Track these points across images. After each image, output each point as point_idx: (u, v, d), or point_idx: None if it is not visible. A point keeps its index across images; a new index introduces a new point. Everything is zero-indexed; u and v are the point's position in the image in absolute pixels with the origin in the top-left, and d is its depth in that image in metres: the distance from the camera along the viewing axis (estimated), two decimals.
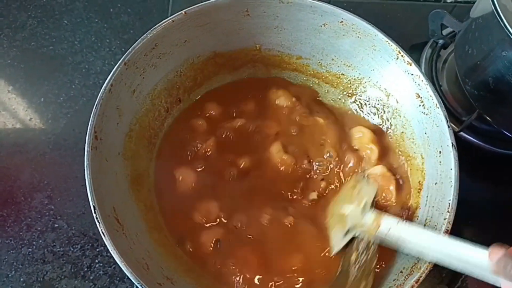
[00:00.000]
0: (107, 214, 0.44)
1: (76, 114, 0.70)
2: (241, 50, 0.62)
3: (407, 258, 0.46)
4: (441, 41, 0.72)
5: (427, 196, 0.50)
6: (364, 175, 0.54)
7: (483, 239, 0.64)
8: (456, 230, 0.61)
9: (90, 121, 0.47)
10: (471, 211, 0.65)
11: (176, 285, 0.46)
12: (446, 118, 0.49)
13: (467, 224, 0.65)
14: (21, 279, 0.59)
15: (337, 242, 0.51)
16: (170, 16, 0.53)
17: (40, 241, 0.61)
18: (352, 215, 0.50)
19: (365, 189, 0.51)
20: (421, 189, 0.52)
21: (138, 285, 0.40)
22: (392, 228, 0.46)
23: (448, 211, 0.45)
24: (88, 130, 0.47)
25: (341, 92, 0.64)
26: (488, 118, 0.62)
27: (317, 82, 0.66)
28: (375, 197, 0.50)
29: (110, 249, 0.41)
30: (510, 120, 0.61)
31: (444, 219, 0.45)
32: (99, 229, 0.42)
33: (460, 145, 0.66)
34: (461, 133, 0.67)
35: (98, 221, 0.42)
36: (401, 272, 0.45)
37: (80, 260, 0.60)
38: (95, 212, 0.43)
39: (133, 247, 0.45)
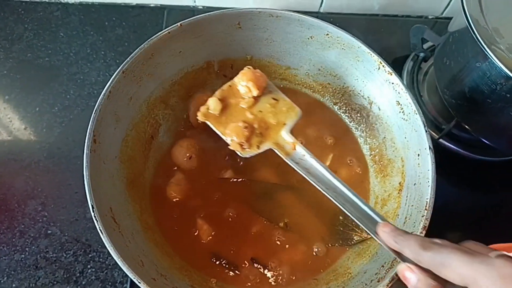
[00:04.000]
0: (104, 213, 0.46)
1: (70, 123, 0.72)
2: (233, 61, 0.65)
3: (388, 254, 0.48)
4: (422, 54, 0.76)
5: (406, 196, 0.53)
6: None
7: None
8: (437, 234, 0.64)
9: (89, 126, 0.49)
10: (452, 216, 0.67)
11: (169, 281, 0.47)
12: (423, 123, 0.52)
13: (448, 228, 0.67)
14: (13, 285, 0.60)
15: (247, 148, 0.53)
16: (165, 29, 0.56)
17: (33, 247, 0.62)
18: (273, 131, 0.53)
19: (290, 111, 0.54)
20: (401, 190, 0.54)
21: (133, 279, 0.42)
22: (305, 156, 0.50)
23: (425, 209, 0.47)
24: (87, 134, 0.49)
25: (327, 101, 0.67)
26: (466, 126, 0.66)
27: (305, 91, 0.69)
28: (295, 123, 0.54)
29: (107, 246, 0.43)
30: (486, 127, 0.64)
31: (422, 216, 0.47)
32: (97, 227, 0.44)
33: (441, 152, 0.70)
34: (442, 140, 0.70)
35: (96, 219, 0.44)
36: (383, 266, 0.47)
37: (72, 265, 0.61)
38: (93, 211, 0.44)
39: (128, 245, 0.47)
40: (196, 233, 0.56)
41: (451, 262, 0.33)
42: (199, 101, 0.63)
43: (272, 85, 0.56)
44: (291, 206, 0.58)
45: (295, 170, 0.50)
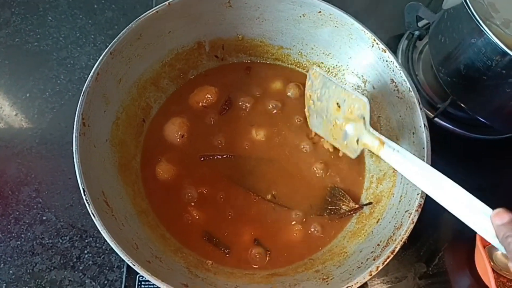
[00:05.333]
0: (96, 197, 0.45)
1: (62, 108, 0.71)
2: (224, 41, 0.64)
3: (384, 233, 0.49)
4: (417, 33, 0.75)
5: (402, 175, 0.52)
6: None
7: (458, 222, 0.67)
8: (434, 213, 0.64)
9: (77, 108, 0.49)
10: None
11: (164, 263, 0.47)
12: (418, 101, 0.51)
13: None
14: (10, 272, 0.60)
15: (351, 150, 0.54)
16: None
17: (29, 233, 0.62)
18: (357, 130, 0.52)
19: (357, 105, 0.50)
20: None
21: (127, 262, 0.42)
22: (396, 151, 0.47)
23: None
24: (76, 116, 0.48)
25: None
26: (461, 104, 0.65)
27: (298, 70, 0.68)
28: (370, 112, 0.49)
29: (100, 229, 0.43)
30: (482, 105, 0.64)
31: (417, 194, 0.47)
32: (89, 211, 0.43)
33: (436, 131, 0.70)
34: (437, 119, 0.70)
35: (88, 203, 0.44)
36: (378, 245, 0.47)
37: (69, 251, 0.61)
38: (84, 195, 0.44)
39: (122, 228, 0.46)
40: (189, 214, 0.56)
41: None
42: (200, 94, 0.63)
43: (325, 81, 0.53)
44: (277, 178, 0.59)
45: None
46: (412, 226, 0.45)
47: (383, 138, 0.49)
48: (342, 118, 0.53)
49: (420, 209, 0.46)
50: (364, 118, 0.50)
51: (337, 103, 0.53)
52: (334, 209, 0.57)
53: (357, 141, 0.52)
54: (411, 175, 0.46)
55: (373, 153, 0.50)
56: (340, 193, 0.57)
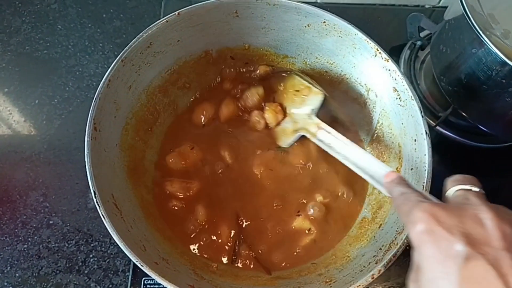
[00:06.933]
0: (106, 199, 0.46)
1: (70, 115, 0.73)
2: (231, 50, 0.65)
3: (386, 237, 0.49)
4: (419, 43, 0.77)
5: None
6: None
7: None
8: None
9: (89, 113, 0.50)
10: None
11: (171, 265, 0.48)
12: (420, 108, 0.52)
13: None
14: (17, 274, 0.61)
15: (285, 138, 0.62)
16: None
17: (36, 237, 0.63)
18: (300, 118, 0.61)
19: (312, 97, 0.60)
20: None
21: (136, 262, 0.42)
22: (329, 134, 0.57)
23: None
24: (88, 121, 0.49)
25: (325, 89, 0.67)
26: (462, 112, 0.66)
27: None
28: (320, 106, 0.59)
29: (110, 230, 0.43)
30: (483, 114, 0.65)
31: None
32: (100, 213, 0.44)
33: (438, 140, 0.71)
34: (439, 128, 0.71)
35: (98, 205, 0.45)
36: (380, 249, 0.48)
37: (74, 255, 0.62)
38: (95, 197, 0.45)
39: (130, 230, 0.47)
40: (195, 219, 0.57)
41: None
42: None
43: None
44: None
45: None
46: None
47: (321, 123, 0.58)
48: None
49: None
50: (312, 109, 0.59)
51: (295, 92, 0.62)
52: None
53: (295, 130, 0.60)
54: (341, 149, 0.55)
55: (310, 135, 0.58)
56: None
